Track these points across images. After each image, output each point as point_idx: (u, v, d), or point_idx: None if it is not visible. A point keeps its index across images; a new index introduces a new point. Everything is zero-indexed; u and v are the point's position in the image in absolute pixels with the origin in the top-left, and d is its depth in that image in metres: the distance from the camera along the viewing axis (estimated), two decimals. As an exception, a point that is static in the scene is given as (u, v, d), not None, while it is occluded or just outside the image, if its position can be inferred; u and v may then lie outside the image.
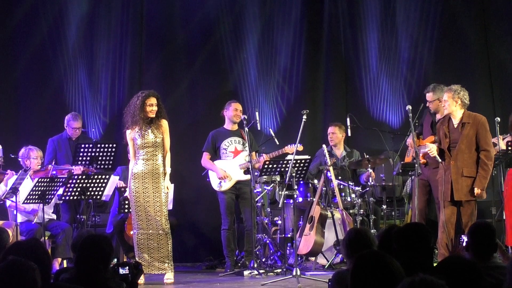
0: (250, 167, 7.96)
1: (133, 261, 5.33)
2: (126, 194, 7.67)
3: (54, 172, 7.99)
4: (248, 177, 8.24)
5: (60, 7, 9.69)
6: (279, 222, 8.60)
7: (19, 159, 8.11)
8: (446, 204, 7.12)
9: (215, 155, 8.43)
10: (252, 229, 8.15)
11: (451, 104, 7.16)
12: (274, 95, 9.98)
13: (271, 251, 8.48)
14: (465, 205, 7.08)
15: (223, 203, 8.30)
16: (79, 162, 8.07)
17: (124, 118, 7.49)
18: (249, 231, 8.21)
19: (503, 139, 8.06)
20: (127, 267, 3.99)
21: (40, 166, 8.10)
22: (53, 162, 8.17)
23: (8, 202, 7.91)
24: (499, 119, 8.17)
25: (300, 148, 7.93)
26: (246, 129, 8.12)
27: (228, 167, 8.31)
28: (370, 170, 8.45)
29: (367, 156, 8.62)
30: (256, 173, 8.03)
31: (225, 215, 8.30)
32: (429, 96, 8.19)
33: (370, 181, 8.45)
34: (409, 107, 8.24)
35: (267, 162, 7.88)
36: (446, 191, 7.09)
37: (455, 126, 7.17)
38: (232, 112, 8.42)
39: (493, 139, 7.95)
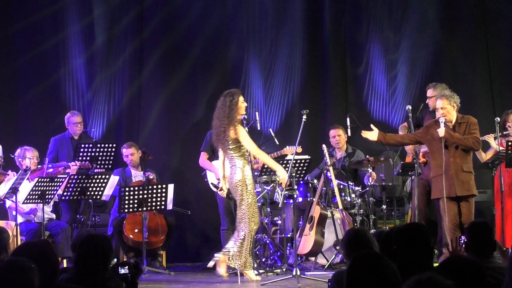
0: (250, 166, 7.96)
1: (133, 260, 5.33)
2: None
3: (51, 170, 7.99)
4: None
5: (60, 7, 9.69)
6: (279, 222, 8.59)
7: (19, 159, 8.11)
8: (449, 204, 7.18)
9: (213, 155, 8.42)
10: None
11: (450, 110, 7.26)
12: (274, 95, 9.98)
13: (271, 251, 8.47)
14: (464, 203, 7.19)
15: (222, 204, 8.30)
16: (77, 161, 8.10)
17: (224, 119, 7.21)
18: None
19: (494, 138, 8.08)
20: (127, 267, 3.99)
21: (38, 166, 8.10)
22: (47, 161, 8.14)
23: (8, 203, 7.92)
24: (499, 119, 8.19)
25: (299, 150, 7.91)
26: (246, 129, 8.10)
27: (226, 168, 8.29)
28: (370, 170, 8.45)
29: (367, 156, 8.62)
30: (256, 173, 8.02)
31: (224, 215, 8.30)
32: (429, 92, 8.21)
33: (370, 181, 8.44)
34: (409, 107, 8.26)
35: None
36: (450, 187, 7.16)
37: (450, 127, 7.28)
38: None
39: (494, 138, 7.97)
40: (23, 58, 9.62)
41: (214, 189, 8.35)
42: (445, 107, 7.25)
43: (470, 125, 7.30)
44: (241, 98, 7.29)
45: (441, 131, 7.14)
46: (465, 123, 7.31)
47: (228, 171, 8.26)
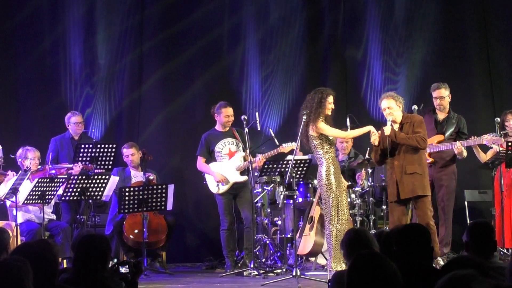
0: (250, 166, 7.96)
1: (133, 260, 5.33)
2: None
3: (54, 172, 7.99)
4: (245, 178, 8.25)
5: (60, 9, 9.68)
6: (279, 222, 8.59)
7: (19, 159, 8.11)
8: (394, 206, 7.07)
9: (210, 157, 8.42)
10: (251, 226, 8.17)
11: (396, 110, 7.12)
12: (274, 95, 9.98)
13: (271, 252, 8.48)
14: (418, 204, 7.04)
15: (221, 204, 8.31)
16: (79, 162, 8.08)
17: (310, 114, 7.24)
18: (248, 229, 8.23)
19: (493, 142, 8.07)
20: (127, 266, 3.99)
21: (39, 167, 8.10)
22: (50, 162, 8.14)
23: (8, 203, 7.92)
24: (499, 119, 8.19)
25: (299, 154, 7.88)
26: (246, 129, 8.11)
27: (224, 170, 8.30)
28: (364, 172, 8.43)
29: (368, 156, 8.61)
30: (256, 173, 8.02)
31: (224, 216, 8.31)
32: (441, 92, 8.17)
33: (363, 179, 8.40)
34: (414, 107, 8.24)
35: (267, 162, 7.87)
36: (392, 191, 7.05)
37: (396, 128, 7.14)
38: (224, 119, 8.35)
39: (496, 138, 7.95)
40: (23, 59, 9.61)
41: (214, 192, 8.35)
42: (391, 106, 7.10)
43: (414, 123, 7.11)
44: (330, 99, 7.27)
45: (387, 130, 7.01)
46: (409, 122, 7.13)
47: (231, 170, 8.30)
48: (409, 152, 7.05)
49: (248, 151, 8.23)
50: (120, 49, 9.78)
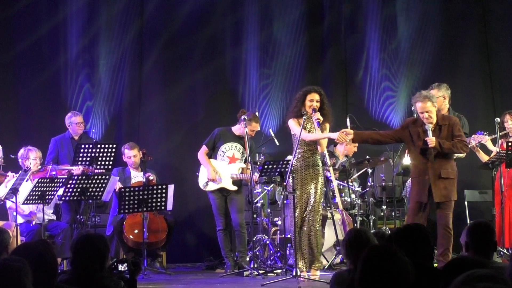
0: (250, 168, 7.95)
1: (132, 258, 5.33)
2: None
3: (54, 173, 7.99)
4: (234, 188, 8.24)
5: (60, 8, 9.69)
6: (279, 222, 8.59)
7: (19, 159, 8.11)
8: (416, 207, 6.79)
9: (212, 152, 8.40)
10: (240, 229, 8.17)
11: (434, 111, 6.82)
12: (274, 95, 9.98)
13: (271, 252, 8.47)
14: (443, 206, 6.80)
15: (214, 204, 8.31)
16: (79, 163, 8.07)
17: (291, 109, 7.38)
18: (238, 232, 8.23)
19: (493, 139, 8.07)
20: (125, 264, 3.99)
21: (40, 167, 8.10)
22: (51, 163, 8.14)
23: (8, 203, 7.91)
24: (499, 119, 8.19)
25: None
26: (247, 129, 8.09)
27: (220, 171, 8.28)
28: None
29: (367, 156, 8.62)
30: (256, 173, 8.01)
31: (218, 215, 8.31)
32: (433, 92, 8.16)
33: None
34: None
35: (267, 162, 7.86)
36: (420, 193, 6.80)
37: (432, 129, 6.82)
38: (249, 132, 8.16)
39: (481, 137, 7.96)
40: (23, 58, 9.62)
41: (201, 186, 8.35)
42: (430, 110, 6.77)
43: (453, 126, 6.83)
44: (310, 96, 7.28)
45: (432, 141, 6.70)
46: (447, 125, 6.83)
47: (226, 175, 8.30)
48: (443, 156, 6.81)
49: (248, 161, 8.17)
50: (120, 49, 9.77)
